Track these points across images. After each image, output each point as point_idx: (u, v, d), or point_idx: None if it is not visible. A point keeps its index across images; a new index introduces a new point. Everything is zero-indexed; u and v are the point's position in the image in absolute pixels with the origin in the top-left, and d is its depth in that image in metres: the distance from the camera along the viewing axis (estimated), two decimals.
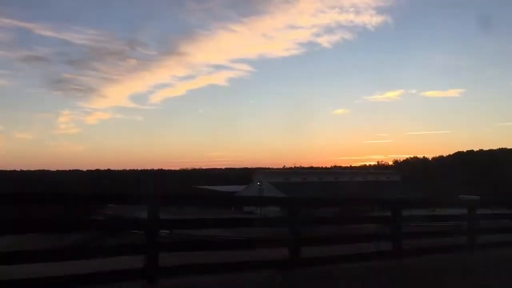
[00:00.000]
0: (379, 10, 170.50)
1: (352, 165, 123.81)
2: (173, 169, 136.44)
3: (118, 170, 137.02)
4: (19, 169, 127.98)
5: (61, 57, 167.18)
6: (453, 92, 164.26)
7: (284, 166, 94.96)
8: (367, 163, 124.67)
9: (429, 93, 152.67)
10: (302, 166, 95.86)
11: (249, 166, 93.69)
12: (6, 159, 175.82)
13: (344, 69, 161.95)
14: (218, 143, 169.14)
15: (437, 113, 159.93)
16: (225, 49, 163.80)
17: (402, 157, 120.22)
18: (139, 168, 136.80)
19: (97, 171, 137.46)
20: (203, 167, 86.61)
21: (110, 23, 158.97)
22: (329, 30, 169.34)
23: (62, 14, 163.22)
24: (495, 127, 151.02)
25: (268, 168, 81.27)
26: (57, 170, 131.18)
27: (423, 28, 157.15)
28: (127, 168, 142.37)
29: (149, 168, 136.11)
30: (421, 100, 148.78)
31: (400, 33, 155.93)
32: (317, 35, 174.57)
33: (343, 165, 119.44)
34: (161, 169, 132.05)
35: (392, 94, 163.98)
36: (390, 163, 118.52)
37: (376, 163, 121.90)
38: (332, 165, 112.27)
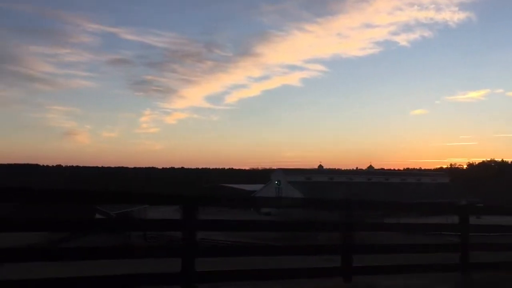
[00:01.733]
0: (462, 7, 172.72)
1: (428, 168, 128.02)
2: (243, 168, 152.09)
3: (190, 168, 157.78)
4: (100, 166, 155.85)
5: (143, 60, 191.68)
6: None
7: (357, 167, 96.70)
8: (444, 166, 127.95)
9: None
10: (376, 168, 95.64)
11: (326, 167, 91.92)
12: (92, 156, 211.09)
13: (423, 68, 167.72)
14: (291, 143, 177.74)
15: None
16: (299, 49, 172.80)
17: (480, 160, 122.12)
18: (211, 167, 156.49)
19: (172, 168, 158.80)
20: (273, 167, 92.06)
21: (187, 26, 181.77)
22: (407, 28, 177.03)
23: (144, 18, 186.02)
24: None
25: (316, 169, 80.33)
26: (134, 167, 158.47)
27: (509, 24, 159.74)
28: (200, 167, 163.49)
29: (219, 167, 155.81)
30: (508, 100, 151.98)
31: (485, 30, 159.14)
32: (395, 33, 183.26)
33: (421, 167, 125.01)
34: (231, 168, 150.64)
35: (475, 94, 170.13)
36: (464, 166, 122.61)
37: (449, 165, 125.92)
38: (406, 167, 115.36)
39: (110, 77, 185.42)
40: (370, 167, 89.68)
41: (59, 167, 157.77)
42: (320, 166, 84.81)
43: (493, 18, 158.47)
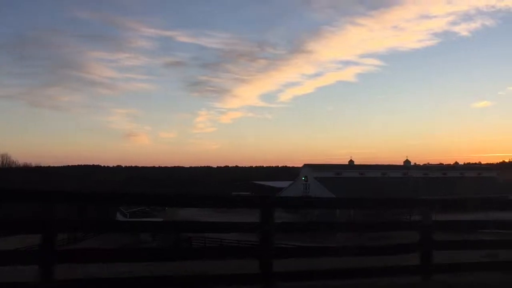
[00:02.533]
0: None
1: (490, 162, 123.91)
2: (295, 166, 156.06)
3: (245, 167, 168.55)
4: (157, 166, 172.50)
5: (197, 61, 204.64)
6: None
7: (415, 163, 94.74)
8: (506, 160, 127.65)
9: None
10: (441, 163, 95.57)
11: (378, 163, 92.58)
12: (151, 156, 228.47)
13: (486, 58, 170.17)
14: (346, 140, 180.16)
15: None
16: (353, 44, 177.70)
17: None
18: (265, 165, 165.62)
19: (226, 167, 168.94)
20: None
21: (240, 26, 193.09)
22: (467, 17, 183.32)
23: (197, 20, 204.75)
24: None
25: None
26: (190, 167, 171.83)
27: None
28: (254, 165, 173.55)
29: (273, 165, 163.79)
30: None
31: None
32: (454, 23, 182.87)
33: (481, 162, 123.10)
34: (285, 166, 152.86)
35: None
36: None
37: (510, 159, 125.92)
38: (467, 162, 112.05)
39: (166, 79, 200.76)
40: (407, 161, 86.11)
41: (118, 167, 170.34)
42: (351, 161, 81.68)
43: None
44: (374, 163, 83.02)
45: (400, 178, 74.20)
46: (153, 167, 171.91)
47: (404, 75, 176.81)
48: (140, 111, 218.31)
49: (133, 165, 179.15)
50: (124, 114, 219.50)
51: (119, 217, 57.16)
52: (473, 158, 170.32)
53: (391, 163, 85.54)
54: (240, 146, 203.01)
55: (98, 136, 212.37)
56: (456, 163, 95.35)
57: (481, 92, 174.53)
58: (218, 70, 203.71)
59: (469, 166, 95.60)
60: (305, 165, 77.49)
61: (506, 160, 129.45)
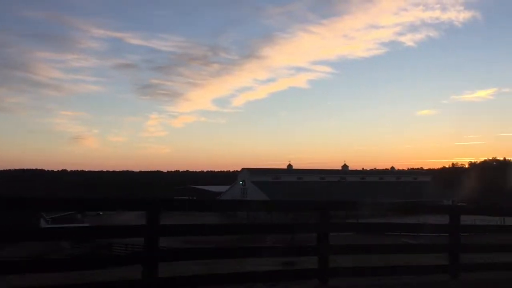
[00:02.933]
0: (467, 6, 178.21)
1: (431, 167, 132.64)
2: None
3: (196, 172, 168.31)
4: (105, 170, 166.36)
5: (149, 64, 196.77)
6: None
7: (363, 168, 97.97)
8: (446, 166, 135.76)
9: None
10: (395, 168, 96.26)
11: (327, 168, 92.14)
12: (99, 161, 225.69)
13: (430, 67, 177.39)
14: (299, 145, 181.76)
15: None
16: (305, 51, 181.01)
17: (483, 159, 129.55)
18: (216, 170, 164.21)
19: (177, 172, 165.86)
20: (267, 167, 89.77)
21: (192, 30, 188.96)
22: (413, 28, 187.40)
23: (150, 23, 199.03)
24: None
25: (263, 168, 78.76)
26: (140, 171, 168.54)
27: None
28: (205, 170, 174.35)
29: (225, 170, 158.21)
30: None
31: (491, 28, 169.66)
32: (400, 34, 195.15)
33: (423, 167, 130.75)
34: (236, 170, 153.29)
35: (483, 93, 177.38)
36: (466, 165, 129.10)
37: (451, 165, 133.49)
38: (411, 168, 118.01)
39: (116, 81, 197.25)
40: (345, 166, 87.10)
41: (63, 171, 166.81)
42: (290, 165, 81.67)
43: (498, 16, 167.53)
44: (313, 168, 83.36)
45: (337, 182, 74.85)
46: (101, 172, 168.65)
47: (353, 83, 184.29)
48: (89, 114, 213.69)
49: (79, 170, 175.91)
50: (71, 116, 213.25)
51: (43, 223, 54.21)
52: (416, 164, 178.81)
53: (329, 168, 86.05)
54: (192, 150, 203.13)
55: (43, 139, 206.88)
56: (393, 168, 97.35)
57: (425, 100, 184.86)
58: (170, 74, 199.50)
59: (405, 171, 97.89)
60: (243, 169, 76.68)
61: (446, 166, 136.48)
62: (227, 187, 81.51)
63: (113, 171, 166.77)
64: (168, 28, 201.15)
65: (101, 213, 63.71)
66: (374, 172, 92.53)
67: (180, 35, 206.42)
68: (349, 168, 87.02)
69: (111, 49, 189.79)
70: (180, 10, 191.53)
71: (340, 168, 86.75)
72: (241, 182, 73.96)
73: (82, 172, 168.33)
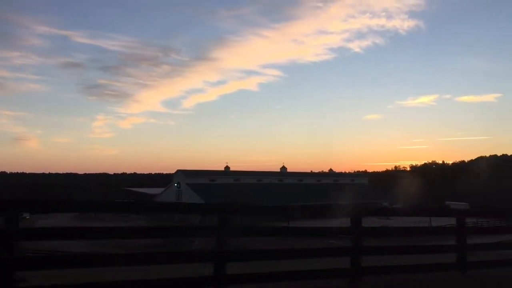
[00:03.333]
0: (411, 15, 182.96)
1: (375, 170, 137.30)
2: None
3: (143, 174, 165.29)
4: (47, 172, 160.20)
5: (96, 63, 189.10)
6: (489, 97, 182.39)
7: (311, 171, 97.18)
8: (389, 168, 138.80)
9: (464, 98, 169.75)
10: (333, 171, 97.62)
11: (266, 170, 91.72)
12: (41, 162, 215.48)
13: (376, 73, 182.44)
14: (248, 147, 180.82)
15: (473, 118, 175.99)
16: (256, 54, 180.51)
17: (422, 163, 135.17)
18: (164, 172, 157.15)
19: (123, 174, 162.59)
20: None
21: (144, 30, 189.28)
22: (360, 35, 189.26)
23: (99, 22, 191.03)
24: None
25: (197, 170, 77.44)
26: (85, 173, 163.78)
27: (456, 32, 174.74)
28: (153, 172, 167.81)
29: (173, 172, 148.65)
30: (456, 104, 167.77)
31: (433, 37, 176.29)
32: (348, 40, 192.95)
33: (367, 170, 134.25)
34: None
35: (426, 99, 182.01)
36: (408, 168, 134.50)
37: (393, 168, 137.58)
38: (356, 170, 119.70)
39: (61, 81, 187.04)
40: (283, 168, 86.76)
41: (3, 173, 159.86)
42: (227, 167, 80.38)
43: (441, 25, 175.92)
44: (251, 170, 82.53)
45: (274, 184, 74.29)
46: (43, 174, 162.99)
47: (303, 87, 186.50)
48: (31, 114, 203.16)
49: (19, 172, 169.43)
50: (12, 116, 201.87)
51: None
52: (361, 167, 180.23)
53: (267, 170, 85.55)
54: (140, 152, 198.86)
55: None
56: (331, 170, 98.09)
57: (372, 105, 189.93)
58: (119, 74, 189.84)
59: (343, 174, 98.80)
60: (178, 171, 74.82)
61: (389, 169, 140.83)
62: (163, 189, 79.25)
63: (56, 173, 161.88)
64: (117, 27, 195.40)
65: (27, 216, 60.07)
66: (312, 174, 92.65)
67: (130, 35, 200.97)
68: (288, 170, 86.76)
69: (57, 47, 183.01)
70: (130, 10, 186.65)
71: (278, 170, 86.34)
72: (176, 184, 72.05)
73: (23, 174, 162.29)
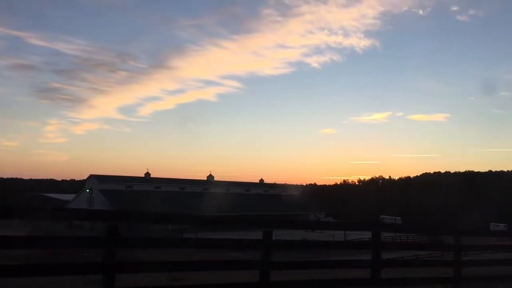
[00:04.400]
0: (367, 34, 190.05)
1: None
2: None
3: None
4: None
5: (50, 67, 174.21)
6: (438, 117, 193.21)
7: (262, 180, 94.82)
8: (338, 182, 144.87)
9: (415, 117, 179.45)
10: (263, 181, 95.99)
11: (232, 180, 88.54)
12: None
13: (333, 89, 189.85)
14: (205, 157, 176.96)
15: (422, 136, 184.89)
16: (215, 65, 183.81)
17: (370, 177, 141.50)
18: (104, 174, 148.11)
19: (72, 181, 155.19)
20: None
21: (101, 35, 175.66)
22: (318, 51, 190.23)
23: (54, 24, 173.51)
24: (477, 151, 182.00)
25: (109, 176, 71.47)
26: (30, 179, 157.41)
27: (409, 52, 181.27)
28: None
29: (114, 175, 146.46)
30: (407, 122, 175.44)
31: (388, 57, 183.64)
32: (306, 55, 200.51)
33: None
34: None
35: (379, 116, 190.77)
36: (356, 183, 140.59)
37: (342, 182, 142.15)
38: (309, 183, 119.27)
39: (13, 82, 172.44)
40: (210, 176, 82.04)
41: None
42: (147, 173, 74.50)
43: (395, 45, 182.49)
44: (173, 177, 77.31)
45: (198, 193, 69.38)
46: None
47: (261, 99, 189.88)
48: None
49: None
50: None
51: None
52: (310, 179, 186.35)
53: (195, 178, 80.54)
54: (92, 158, 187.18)
55: None
56: (261, 180, 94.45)
57: (328, 120, 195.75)
58: (73, 78, 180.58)
59: (273, 184, 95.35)
60: (91, 176, 68.34)
61: (338, 182, 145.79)
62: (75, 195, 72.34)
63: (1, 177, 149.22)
64: (74, 31, 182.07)
65: None
66: (241, 184, 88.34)
67: (87, 39, 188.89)
68: (215, 179, 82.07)
69: (9, 48, 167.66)
70: (88, 13, 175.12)
71: (205, 179, 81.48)
72: (88, 190, 65.45)
73: None
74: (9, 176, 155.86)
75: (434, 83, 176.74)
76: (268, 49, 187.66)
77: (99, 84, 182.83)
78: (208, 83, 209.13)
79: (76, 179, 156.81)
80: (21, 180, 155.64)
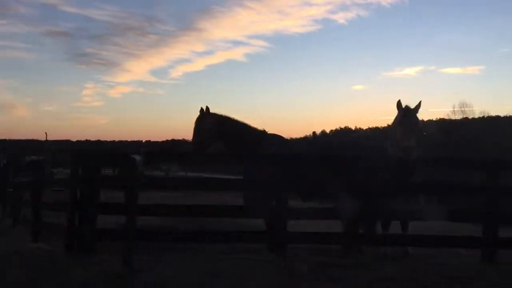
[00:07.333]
0: None
1: None
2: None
3: (134, 141, 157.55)
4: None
5: (83, 32, 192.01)
6: (472, 69, 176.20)
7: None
8: None
9: (449, 70, 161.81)
10: None
11: None
12: (32, 130, 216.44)
13: (361, 45, 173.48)
14: (236, 115, 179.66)
15: (456, 90, 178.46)
16: (242, 25, 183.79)
17: None
18: (153, 140, 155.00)
19: (112, 142, 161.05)
20: None
21: (129, 0, 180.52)
22: (344, 7, 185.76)
23: None
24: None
25: None
26: (77, 140, 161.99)
27: (438, 3, 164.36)
28: (143, 140, 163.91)
29: (163, 140, 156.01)
30: (441, 76, 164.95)
31: (416, 10, 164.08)
32: (332, 12, 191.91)
33: None
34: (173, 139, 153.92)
35: (411, 71, 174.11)
36: None
37: None
38: None
39: (49, 49, 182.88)
40: None
41: None
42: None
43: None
44: None
45: None
46: (32, 140, 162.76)
47: (289, 57, 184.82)
48: (19, 82, 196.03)
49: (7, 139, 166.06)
50: (0, 84, 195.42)
51: None
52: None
53: None
54: (130, 120, 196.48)
55: None
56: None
57: (358, 76, 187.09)
58: (106, 43, 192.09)
59: None
60: None
61: None
62: None
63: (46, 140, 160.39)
64: None
65: None
66: None
67: (116, 5, 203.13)
68: None
69: (44, 16, 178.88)
70: None
71: None
72: None
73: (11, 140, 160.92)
74: (54, 138, 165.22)
75: (467, 35, 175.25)
76: (293, 7, 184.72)
77: (130, 48, 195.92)
78: (236, 43, 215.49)
79: (116, 140, 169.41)
80: (70, 141, 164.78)
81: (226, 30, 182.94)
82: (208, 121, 7.43)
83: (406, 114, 6.87)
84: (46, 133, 48.91)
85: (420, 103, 6.96)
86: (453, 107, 63.55)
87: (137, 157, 5.73)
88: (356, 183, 6.68)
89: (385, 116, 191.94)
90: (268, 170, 6.63)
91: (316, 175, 6.81)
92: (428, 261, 6.30)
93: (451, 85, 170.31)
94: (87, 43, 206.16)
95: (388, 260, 6.27)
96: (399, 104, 6.96)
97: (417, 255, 6.70)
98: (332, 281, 5.08)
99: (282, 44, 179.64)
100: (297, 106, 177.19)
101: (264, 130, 7.58)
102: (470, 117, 64.83)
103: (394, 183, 6.85)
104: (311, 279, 5.17)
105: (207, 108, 7.57)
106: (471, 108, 62.97)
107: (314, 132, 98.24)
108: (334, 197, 6.89)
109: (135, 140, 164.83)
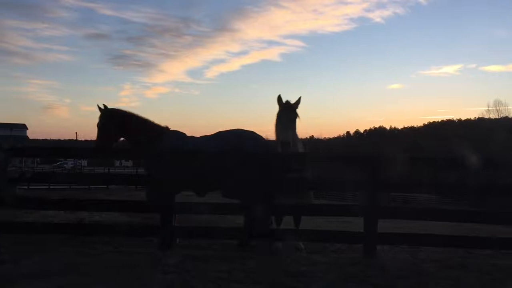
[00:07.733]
0: None
1: None
2: None
3: None
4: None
5: (121, 35, 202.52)
6: None
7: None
8: None
9: (489, 68, 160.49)
10: None
11: None
12: (70, 130, 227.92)
13: (398, 43, 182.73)
14: (272, 117, 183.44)
15: (497, 88, 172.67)
16: (276, 25, 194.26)
17: None
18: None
19: None
20: None
21: (164, 2, 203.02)
22: (380, 5, 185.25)
23: None
24: None
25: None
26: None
27: (477, 1, 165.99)
28: None
29: None
30: (481, 74, 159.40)
31: (454, 6, 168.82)
32: (368, 10, 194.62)
33: None
34: None
35: (449, 69, 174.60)
36: None
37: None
38: None
39: (88, 51, 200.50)
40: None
41: (35, 140, 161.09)
42: None
43: None
44: None
45: None
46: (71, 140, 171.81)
47: (324, 57, 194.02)
48: (60, 83, 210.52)
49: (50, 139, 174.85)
50: (41, 85, 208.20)
51: None
52: None
53: None
54: (166, 120, 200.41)
55: (14, 107, 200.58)
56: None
57: (394, 75, 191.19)
58: (143, 45, 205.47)
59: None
60: None
61: None
62: None
63: (85, 140, 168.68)
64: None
65: None
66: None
67: (152, 7, 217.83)
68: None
69: (82, 19, 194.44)
70: None
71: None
72: None
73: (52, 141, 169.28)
74: (90, 138, 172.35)
75: (508, 31, 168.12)
76: (328, 6, 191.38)
77: (166, 49, 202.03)
78: (271, 43, 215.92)
79: None
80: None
81: (261, 30, 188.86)
82: (110, 118, 7.61)
83: (286, 109, 6.83)
84: (76, 133, 50.41)
85: (300, 98, 6.91)
86: (488, 106, 61.54)
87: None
88: (245, 179, 6.70)
89: (422, 116, 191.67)
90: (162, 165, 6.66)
91: (206, 170, 6.81)
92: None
93: (491, 84, 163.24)
94: (124, 45, 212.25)
95: (264, 255, 6.25)
96: (279, 99, 6.90)
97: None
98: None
99: (317, 43, 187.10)
100: (332, 106, 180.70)
101: (166, 126, 7.65)
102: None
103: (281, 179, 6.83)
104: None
105: (105, 105, 7.81)
106: (506, 107, 61.08)
107: (347, 132, 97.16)
108: (225, 193, 7.01)
109: None
